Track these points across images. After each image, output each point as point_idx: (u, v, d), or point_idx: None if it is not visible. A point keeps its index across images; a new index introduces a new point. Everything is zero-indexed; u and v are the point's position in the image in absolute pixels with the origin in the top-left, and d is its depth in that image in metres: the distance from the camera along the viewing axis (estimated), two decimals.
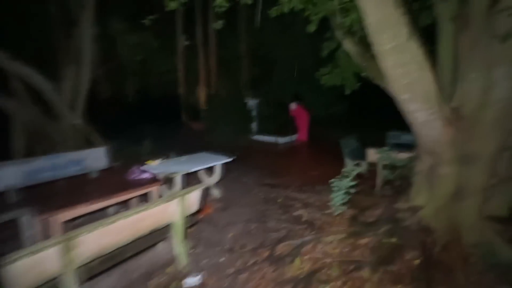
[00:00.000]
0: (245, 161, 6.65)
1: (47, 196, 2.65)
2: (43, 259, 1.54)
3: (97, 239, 1.79)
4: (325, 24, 4.40)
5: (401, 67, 2.20)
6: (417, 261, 2.28)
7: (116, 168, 5.24)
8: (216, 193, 4.21)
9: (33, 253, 1.47)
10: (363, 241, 2.63)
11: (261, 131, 9.94)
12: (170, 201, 2.24)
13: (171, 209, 2.31)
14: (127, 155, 6.42)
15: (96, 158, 3.73)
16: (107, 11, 4.91)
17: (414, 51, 2.15)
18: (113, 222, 1.82)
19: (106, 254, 2.00)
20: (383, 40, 2.16)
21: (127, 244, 2.13)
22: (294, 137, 9.25)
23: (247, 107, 10.09)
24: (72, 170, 3.51)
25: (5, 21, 5.25)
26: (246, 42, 6.34)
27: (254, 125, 10.14)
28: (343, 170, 3.11)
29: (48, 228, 2.35)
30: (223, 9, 4.04)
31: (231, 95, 9.60)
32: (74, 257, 1.67)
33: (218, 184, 4.37)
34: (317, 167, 6.13)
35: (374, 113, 13.35)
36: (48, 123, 4.73)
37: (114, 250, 2.04)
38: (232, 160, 4.24)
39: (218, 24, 4.27)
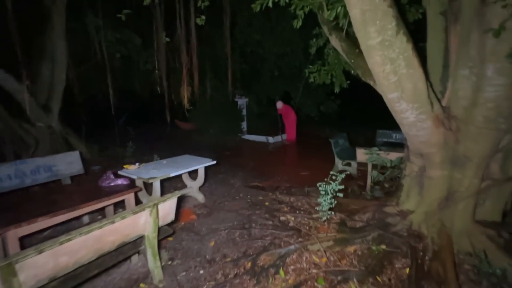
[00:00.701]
0: (234, 162, 6.47)
1: (8, 207, 2.40)
2: None
3: (50, 260, 1.58)
4: (313, 19, 4.24)
5: (389, 63, 2.05)
6: (407, 270, 2.15)
7: (95, 172, 4.99)
8: (200, 197, 4.01)
9: None
10: (351, 248, 2.49)
11: (251, 131, 9.77)
12: (139, 212, 2.03)
13: (142, 221, 2.11)
14: (110, 158, 6.15)
15: (69, 163, 3.46)
16: (83, 6, 4.61)
17: (402, 46, 1.99)
18: (69, 239, 1.61)
19: (65, 275, 1.78)
20: (369, 34, 2.00)
21: (92, 261, 1.92)
22: (284, 137, 9.10)
23: (236, 106, 9.89)
24: (42, 177, 3.24)
25: None
26: (233, 39, 6.15)
27: (244, 124, 9.95)
28: (332, 171, 2.97)
29: (6, 244, 2.12)
30: (206, 3, 3.83)
31: (219, 94, 9.38)
32: (19, 282, 1.45)
33: (202, 187, 4.18)
34: (307, 167, 6.00)
35: (366, 111, 13.35)
36: (20, 126, 4.42)
37: (75, 269, 1.83)
38: (216, 163, 4.05)
39: (201, 20, 4.05)
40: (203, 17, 4.01)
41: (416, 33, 3.06)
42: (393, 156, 3.78)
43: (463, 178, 2.22)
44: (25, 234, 2.11)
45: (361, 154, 4.51)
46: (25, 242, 2.48)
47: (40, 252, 1.49)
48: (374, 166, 4.19)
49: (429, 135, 2.24)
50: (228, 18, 5.28)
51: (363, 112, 13.28)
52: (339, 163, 5.31)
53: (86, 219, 3.34)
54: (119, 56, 6.11)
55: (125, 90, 8.15)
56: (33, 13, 4.34)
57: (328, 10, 2.69)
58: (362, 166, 4.77)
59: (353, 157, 4.91)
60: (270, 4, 3.47)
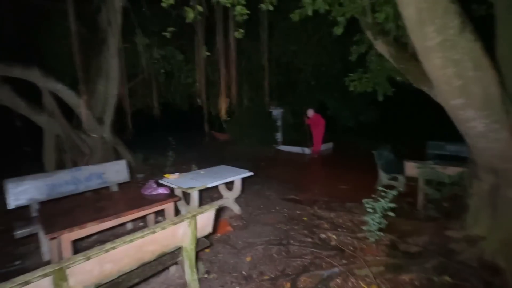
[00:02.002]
0: (269, 173, 6.36)
1: (64, 212, 2.59)
2: None
3: (96, 267, 1.62)
4: (352, 26, 4.07)
5: (452, 65, 1.80)
6: None
7: (139, 180, 5.29)
8: (236, 209, 3.96)
9: (23, 284, 1.32)
10: (407, 277, 2.17)
11: (286, 141, 9.62)
12: (179, 223, 2.02)
13: (181, 232, 2.10)
14: (153, 167, 6.51)
15: (116, 171, 3.71)
16: (132, 27, 5.06)
17: (468, 45, 1.74)
18: (114, 247, 1.64)
19: (109, 282, 1.82)
20: (428, 34, 1.79)
21: (133, 270, 1.94)
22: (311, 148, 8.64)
23: (271, 116, 9.87)
24: (93, 184, 3.50)
25: (38, 41, 5.69)
26: (269, 51, 6.20)
27: (278, 135, 9.86)
28: (377, 186, 2.70)
29: (60, 246, 2.27)
30: (243, 18, 3.91)
31: (254, 105, 9.47)
32: (69, 286, 1.50)
33: (238, 198, 4.13)
34: (346, 181, 5.63)
35: (409, 121, 12.31)
36: (78, 136, 4.91)
37: (118, 277, 1.87)
38: (253, 174, 3.99)
39: (239, 33, 4.14)
40: (242, 30, 4.09)
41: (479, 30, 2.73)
42: (452, 171, 3.32)
43: None
44: (76, 238, 2.24)
45: (411, 168, 4.07)
46: (77, 245, 2.64)
47: (88, 258, 1.53)
48: (428, 182, 3.74)
49: (504, 148, 1.89)
50: (265, 31, 5.33)
51: (405, 122, 12.29)
52: (384, 177, 4.86)
53: (129, 225, 3.49)
54: (163, 71, 6.54)
55: (167, 103, 8.67)
56: (91, 35, 4.88)
57: (375, 13, 2.49)
58: (411, 181, 4.30)
59: (400, 170, 4.46)
60: (310, 13, 3.40)
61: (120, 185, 3.77)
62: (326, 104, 11.23)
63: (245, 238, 3.21)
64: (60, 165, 4.90)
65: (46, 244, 2.74)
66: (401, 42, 3.12)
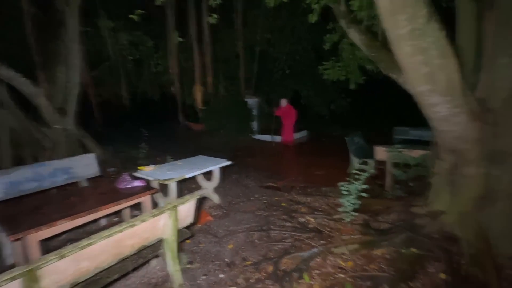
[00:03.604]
0: (246, 162, 6.39)
1: (28, 210, 2.39)
2: None
3: (71, 265, 1.53)
4: (326, 15, 4.12)
5: (420, 53, 1.91)
6: (443, 276, 2.00)
7: (111, 174, 5.00)
8: (215, 198, 3.95)
9: None
10: (379, 251, 2.35)
11: (262, 131, 9.66)
12: (159, 215, 1.97)
13: (161, 224, 2.05)
14: (124, 160, 6.19)
15: (85, 165, 3.46)
16: (95, 9, 4.64)
17: (434, 34, 1.86)
18: (89, 244, 1.55)
19: (87, 280, 1.74)
20: (399, 23, 1.87)
21: (112, 266, 1.87)
22: (278, 138, 8.73)
23: (247, 106, 9.81)
24: (59, 180, 3.24)
25: None
26: (244, 39, 6.08)
27: (255, 125, 9.87)
28: (350, 170, 2.84)
29: (26, 248, 2.10)
30: (217, 1, 3.77)
31: (230, 94, 9.32)
32: None
33: (217, 188, 4.11)
34: (321, 167, 5.85)
35: (378, 109, 13.00)
36: (37, 129, 4.48)
37: (96, 274, 1.78)
38: (232, 163, 3.97)
39: (213, 18, 4.00)
40: (215, 15, 3.96)
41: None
42: (416, 153, 3.60)
43: (502, 175, 2.05)
44: (44, 237, 2.09)
45: (381, 152, 4.35)
46: (44, 246, 2.46)
47: (62, 257, 1.44)
48: (395, 165, 4.02)
49: (464, 130, 2.08)
50: (239, 17, 5.21)
51: (375, 110, 12.96)
52: (355, 162, 5.13)
53: (103, 221, 3.33)
54: (132, 58, 6.14)
55: (137, 92, 8.21)
56: (47, 17, 4.39)
57: (349, 1, 2.54)
58: (380, 164, 4.60)
59: (370, 155, 4.74)
60: None
61: (90, 180, 3.54)
62: (300, 93, 11.40)
63: (226, 227, 3.23)
64: (18, 162, 4.46)
65: (8, 247, 2.51)
66: (373, 31, 3.24)
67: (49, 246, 2.72)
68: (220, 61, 8.44)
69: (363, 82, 4.93)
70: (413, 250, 2.25)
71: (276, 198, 4.09)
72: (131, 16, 3.46)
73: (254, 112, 9.88)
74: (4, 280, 1.24)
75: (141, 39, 6.02)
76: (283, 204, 3.82)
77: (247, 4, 6.03)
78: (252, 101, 9.90)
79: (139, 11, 3.43)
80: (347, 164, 5.11)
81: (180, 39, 4.14)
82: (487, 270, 1.88)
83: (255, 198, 4.15)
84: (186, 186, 4.51)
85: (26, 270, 1.30)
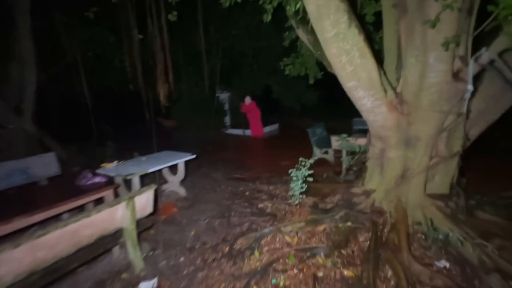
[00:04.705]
0: (216, 156, 6.57)
1: None
2: None
3: (27, 254, 1.65)
4: (285, 13, 4.35)
5: (345, 54, 2.22)
6: (368, 243, 2.37)
7: (73, 173, 4.94)
8: (181, 191, 4.11)
9: None
10: (321, 227, 2.69)
11: (234, 125, 9.85)
12: (116, 205, 2.12)
13: (119, 214, 2.20)
14: (89, 158, 6.08)
15: (44, 164, 3.45)
16: (49, 5, 4.48)
17: (355, 38, 2.16)
18: (45, 234, 1.68)
19: (46, 268, 1.86)
20: (325, 27, 2.16)
21: (71, 255, 2.00)
22: (248, 132, 9.06)
23: (218, 101, 9.92)
24: (17, 180, 3.22)
25: None
26: (209, 34, 6.15)
27: (227, 119, 10.02)
28: (311, 160, 3.13)
29: None
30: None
31: (199, 90, 9.36)
32: None
33: (184, 181, 4.27)
34: (288, 158, 6.17)
35: (346, 101, 13.70)
36: None
37: (55, 263, 1.91)
38: (199, 157, 4.14)
39: (173, 16, 4.07)
40: (175, 13, 4.03)
41: (377, 24, 3.28)
42: (363, 141, 4.02)
43: (414, 156, 2.45)
44: (2, 234, 2.15)
45: (335, 142, 4.75)
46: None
47: (17, 246, 1.56)
48: (351, 153, 4.43)
49: (385, 120, 2.45)
50: (200, 14, 5.30)
51: (343, 102, 13.65)
52: (317, 152, 5.54)
53: (65, 217, 3.36)
54: (92, 54, 5.98)
55: (102, 88, 7.97)
56: None
57: (289, 4, 2.79)
58: (340, 153, 5.00)
59: (330, 145, 5.15)
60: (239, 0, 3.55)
61: (50, 179, 3.54)
62: (270, 87, 11.70)
63: (189, 216, 3.42)
64: None
65: None
66: None
67: None
68: (187, 57, 8.44)
69: (321, 77, 5.27)
70: (348, 224, 2.62)
71: (241, 188, 4.33)
72: (86, 13, 3.44)
73: (226, 107, 10.02)
74: None
75: (101, 35, 5.88)
76: (246, 193, 4.08)
77: (211, 0, 6.10)
78: (223, 96, 10.03)
79: (94, 9, 3.42)
80: (312, 154, 5.48)
81: (141, 36, 4.17)
82: (401, 235, 2.27)
83: (221, 190, 4.36)
84: (154, 181, 4.59)
85: None
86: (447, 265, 2.14)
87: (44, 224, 2.78)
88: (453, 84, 2.13)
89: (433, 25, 1.90)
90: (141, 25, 4.69)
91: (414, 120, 2.39)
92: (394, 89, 2.53)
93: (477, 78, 2.42)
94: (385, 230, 2.46)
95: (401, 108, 2.43)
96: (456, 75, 2.13)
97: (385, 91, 2.39)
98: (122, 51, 6.34)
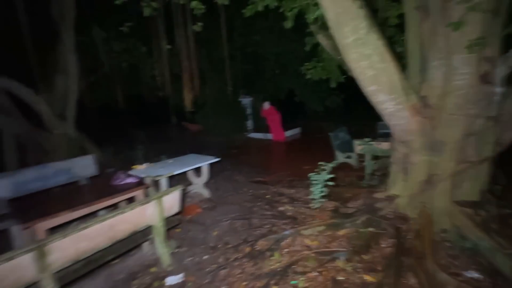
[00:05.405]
0: (240, 159, 6.73)
1: (35, 205, 2.74)
2: (19, 265, 1.63)
3: (73, 244, 1.88)
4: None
5: (364, 59, 2.24)
6: (391, 249, 2.33)
7: (109, 174, 5.36)
8: (205, 193, 4.29)
9: (7, 260, 1.55)
10: (342, 232, 2.69)
11: (257, 129, 10.00)
12: (146, 204, 2.31)
13: (149, 212, 2.39)
14: (123, 161, 6.55)
15: (84, 166, 3.82)
16: (89, 21, 4.97)
17: (374, 43, 2.18)
18: (87, 227, 1.90)
19: (86, 258, 2.08)
20: (344, 33, 2.19)
21: (108, 247, 2.21)
22: (269, 136, 9.08)
23: (241, 105, 10.15)
24: (61, 179, 3.60)
25: None
26: (233, 40, 6.39)
27: (249, 123, 10.20)
28: (333, 164, 3.13)
29: (35, 236, 2.44)
30: (201, 11, 4.09)
31: (222, 95, 9.65)
32: (49, 262, 1.75)
33: (208, 183, 4.45)
34: (310, 162, 6.11)
35: (367, 103, 13.25)
36: (40, 134, 4.84)
37: (94, 254, 2.13)
38: (222, 160, 4.30)
39: (198, 27, 4.32)
40: (200, 23, 4.28)
41: (401, 26, 3.22)
42: (386, 146, 3.92)
43: (440, 161, 2.37)
44: (50, 226, 2.43)
45: (358, 146, 4.67)
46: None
47: (65, 236, 1.78)
48: (373, 157, 4.34)
49: (407, 124, 2.41)
50: (224, 23, 5.53)
51: (367, 105, 13.21)
52: (339, 156, 5.47)
53: (101, 214, 3.68)
54: (126, 64, 6.48)
55: (134, 95, 8.56)
56: (45, 30, 4.73)
57: (310, 12, 2.86)
58: (364, 157, 4.89)
59: (353, 149, 5.07)
60: (261, 8, 3.69)
61: (89, 179, 3.90)
62: (293, 91, 11.72)
63: (213, 217, 3.57)
64: (23, 164, 4.82)
65: (19, 238, 2.86)
66: None
67: None
68: (213, 63, 8.77)
69: (344, 81, 5.22)
70: (370, 229, 2.58)
71: (263, 191, 4.42)
72: (121, 28, 3.78)
73: (249, 111, 10.22)
74: (20, 253, 1.59)
75: (134, 46, 6.36)
76: (267, 196, 4.15)
77: (235, 7, 6.32)
78: (246, 101, 10.24)
79: (129, 23, 3.75)
80: (334, 158, 5.43)
81: (169, 47, 4.48)
82: (425, 241, 2.21)
83: (243, 192, 4.48)
84: (180, 183, 4.81)
85: (37, 245, 1.64)
86: (477, 275, 2.05)
87: (82, 219, 3.10)
88: (480, 86, 2.05)
89: (457, 28, 1.86)
90: (170, 36, 5.00)
91: (439, 124, 2.33)
92: (417, 92, 2.48)
93: (510, 80, 2.30)
94: (409, 236, 2.40)
95: (425, 112, 2.37)
96: (483, 77, 2.05)
97: (407, 95, 2.35)
98: (152, 60, 6.79)
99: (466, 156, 2.32)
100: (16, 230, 2.78)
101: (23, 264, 1.63)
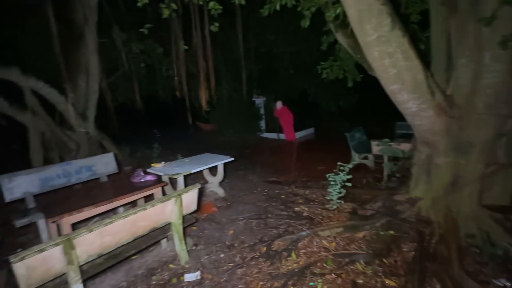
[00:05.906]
0: (253, 159, 6.74)
1: (60, 201, 2.86)
2: (48, 257, 1.70)
3: (97, 239, 1.94)
4: (323, 17, 4.36)
5: (387, 57, 2.17)
6: (414, 253, 2.26)
7: (127, 172, 5.51)
8: (220, 192, 4.33)
9: (38, 252, 1.63)
10: (360, 234, 2.63)
11: (270, 129, 9.98)
12: (166, 201, 2.35)
13: (168, 209, 2.43)
14: (139, 159, 6.72)
15: (105, 163, 3.94)
16: (109, 22, 5.13)
17: (398, 40, 2.11)
18: (111, 222, 1.96)
19: (109, 252, 2.15)
20: (366, 31, 2.14)
21: (129, 243, 2.27)
22: (281, 136, 9.00)
23: (254, 105, 10.16)
24: (84, 176, 3.73)
25: (17, 42, 5.66)
26: (247, 40, 6.41)
27: (262, 123, 10.20)
28: (349, 165, 3.07)
29: (60, 230, 2.55)
30: (218, 11, 4.13)
31: (237, 95, 9.70)
32: (76, 255, 1.82)
33: (223, 182, 4.48)
34: (324, 162, 6.06)
35: (386, 104, 12.93)
36: (63, 132, 5.04)
37: (116, 249, 2.19)
38: (236, 160, 4.32)
39: (215, 27, 4.36)
40: (217, 24, 4.31)
41: (423, 23, 3.12)
42: (406, 147, 3.80)
43: (467, 163, 2.27)
44: (75, 221, 2.52)
45: (375, 147, 4.56)
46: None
47: (91, 231, 1.85)
48: (393, 158, 4.22)
49: (432, 124, 2.32)
50: (240, 23, 5.55)
51: (383, 105, 12.89)
52: (356, 157, 5.36)
53: (121, 210, 3.78)
54: (144, 65, 6.64)
55: (151, 95, 8.76)
56: (69, 33, 4.92)
57: (329, 10, 2.81)
58: (381, 158, 4.78)
59: (370, 150, 4.95)
60: (278, 7, 3.67)
61: (109, 176, 4.02)
62: (307, 91, 11.60)
63: (228, 216, 3.59)
64: (47, 161, 5.04)
65: (46, 231, 2.99)
66: None
67: None
68: (228, 63, 8.83)
69: (360, 80, 5.12)
70: (391, 232, 2.51)
71: (277, 191, 4.41)
72: (140, 30, 3.87)
73: (262, 111, 10.21)
74: (50, 245, 1.66)
75: (151, 47, 6.50)
76: (282, 196, 4.13)
77: (250, 7, 6.34)
78: (259, 101, 10.24)
79: (148, 25, 3.83)
80: (350, 159, 5.33)
81: (185, 47, 4.54)
82: (451, 247, 2.12)
83: (258, 192, 4.48)
84: (195, 181, 4.91)
85: (65, 238, 1.71)
86: (508, 284, 1.94)
87: (102, 215, 3.20)
88: None
89: (489, 23, 1.77)
90: (186, 37, 5.07)
91: (466, 125, 2.23)
92: (442, 91, 2.38)
93: None
94: (433, 241, 2.31)
95: (451, 112, 2.28)
96: None
97: (432, 93, 2.26)
98: (169, 60, 6.91)
99: (496, 158, 2.20)
100: (43, 224, 2.91)
101: (53, 255, 1.70)
